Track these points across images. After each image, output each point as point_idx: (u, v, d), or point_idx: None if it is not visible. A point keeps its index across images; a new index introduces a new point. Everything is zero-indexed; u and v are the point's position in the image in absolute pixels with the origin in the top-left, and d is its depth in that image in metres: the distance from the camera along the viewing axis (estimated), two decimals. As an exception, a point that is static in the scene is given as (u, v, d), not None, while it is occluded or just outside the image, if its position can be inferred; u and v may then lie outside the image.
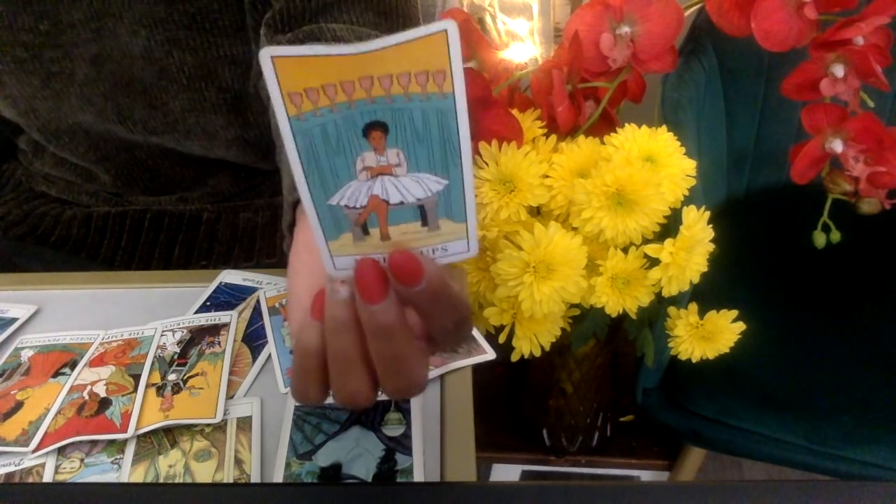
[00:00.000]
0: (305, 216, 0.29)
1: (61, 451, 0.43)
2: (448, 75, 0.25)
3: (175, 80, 0.62)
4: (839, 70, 0.56)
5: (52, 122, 0.66)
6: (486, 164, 0.58)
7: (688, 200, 0.60)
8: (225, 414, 0.45)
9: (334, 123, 0.26)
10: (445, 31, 0.24)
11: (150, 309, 0.54)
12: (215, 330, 0.51)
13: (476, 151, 0.58)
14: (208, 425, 0.44)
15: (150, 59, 0.60)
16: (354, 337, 0.30)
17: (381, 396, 0.44)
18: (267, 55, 0.24)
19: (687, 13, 0.59)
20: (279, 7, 0.55)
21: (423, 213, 0.29)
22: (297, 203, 0.42)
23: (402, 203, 0.28)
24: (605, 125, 0.63)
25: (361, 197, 0.28)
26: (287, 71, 0.25)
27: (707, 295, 0.70)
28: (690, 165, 0.61)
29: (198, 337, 0.50)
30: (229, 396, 0.46)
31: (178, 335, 0.51)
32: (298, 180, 0.27)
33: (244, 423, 0.44)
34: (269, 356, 0.49)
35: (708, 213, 0.60)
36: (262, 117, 0.67)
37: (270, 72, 0.25)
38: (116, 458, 0.42)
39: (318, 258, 0.30)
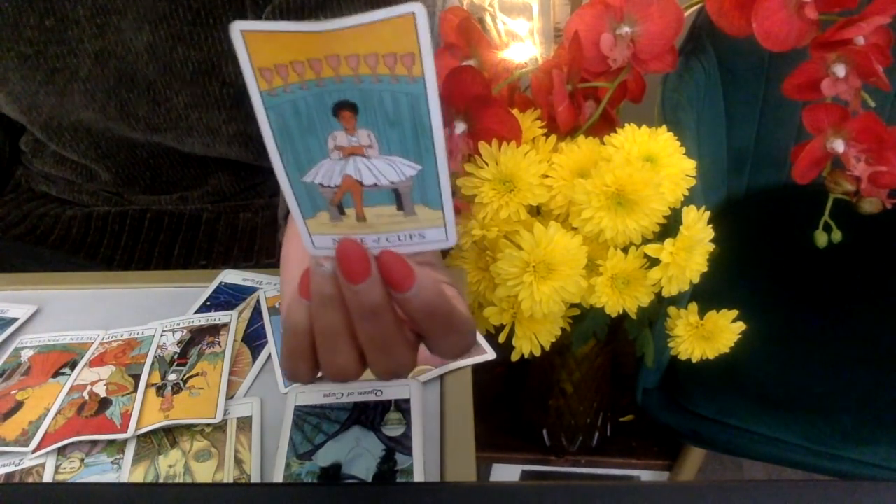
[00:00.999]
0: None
1: (61, 451, 0.43)
2: (417, 59, 0.25)
3: (179, 76, 0.62)
4: (840, 70, 0.56)
5: (53, 119, 0.66)
6: (486, 163, 0.58)
7: (688, 200, 0.60)
8: (225, 414, 0.44)
9: (305, 101, 0.26)
10: (413, 13, 0.24)
11: (150, 309, 0.54)
12: (215, 330, 0.51)
13: (476, 151, 0.58)
14: (208, 425, 0.44)
15: (155, 54, 0.60)
16: (340, 312, 0.30)
17: (382, 397, 0.44)
18: (237, 29, 0.24)
19: (687, 13, 0.59)
20: (279, 2, 0.55)
21: (398, 197, 0.29)
22: None
23: (375, 185, 0.28)
24: (605, 125, 0.63)
25: (335, 176, 0.28)
26: (256, 46, 0.25)
27: (707, 295, 0.70)
28: (690, 165, 0.61)
29: (198, 337, 0.50)
30: (229, 396, 0.46)
31: (178, 335, 0.51)
32: (273, 156, 0.28)
33: (244, 423, 0.44)
34: (269, 356, 0.49)
35: (708, 213, 0.60)
36: None
37: (241, 46, 0.25)
38: (116, 458, 0.42)
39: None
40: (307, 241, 0.30)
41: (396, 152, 0.28)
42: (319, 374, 0.33)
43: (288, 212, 0.42)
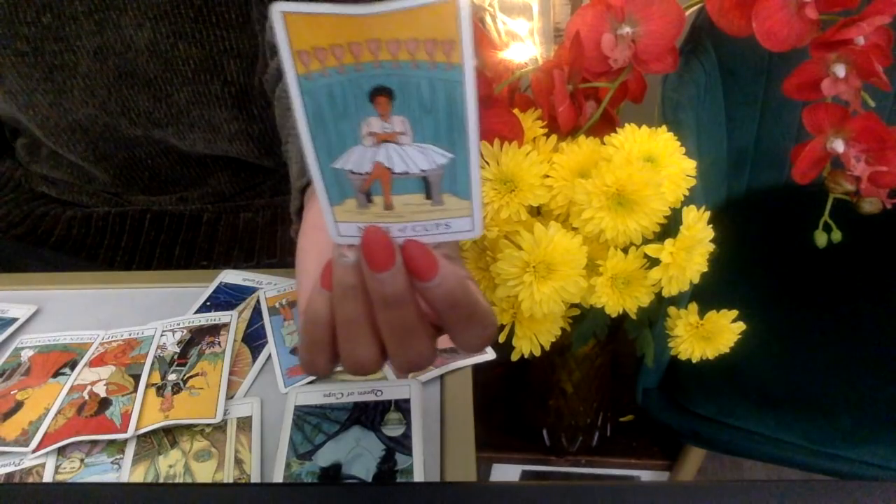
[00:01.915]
0: (313, 188, 0.29)
1: (61, 451, 0.43)
2: (457, 46, 0.25)
3: (180, 73, 0.62)
4: (840, 70, 0.56)
5: (51, 119, 0.66)
6: (487, 163, 0.58)
7: (688, 200, 0.60)
8: (225, 414, 0.44)
9: (341, 85, 0.26)
10: (456, 0, 0.24)
11: (150, 309, 0.54)
12: (215, 330, 0.51)
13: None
14: (208, 425, 0.44)
15: (156, 51, 0.60)
16: (362, 302, 0.30)
17: (382, 397, 0.44)
18: (278, 10, 0.24)
19: (687, 13, 0.59)
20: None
21: (427, 186, 0.28)
22: (304, 189, 0.42)
23: (406, 173, 0.28)
24: (605, 125, 0.63)
25: (366, 163, 0.28)
26: (296, 28, 0.25)
27: (707, 295, 0.70)
28: (690, 165, 0.61)
29: (198, 337, 0.50)
30: (229, 396, 0.46)
31: (178, 335, 0.51)
32: (305, 141, 0.27)
33: (244, 423, 0.44)
34: (269, 356, 0.49)
35: (708, 213, 0.60)
36: (267, 111, 0.67)
37: (281, 28, 0.25)
38: (116, 458, 0.42)
39: (326, 230, 0.30)
40: (332, 228, 0.30)
41: (429, 140, 0.27)
42: (339, 368, 0.32)
43: (301, 207, 0.42)
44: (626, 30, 0.58)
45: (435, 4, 0.24)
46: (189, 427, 0.44)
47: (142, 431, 0.43)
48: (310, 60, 0.26)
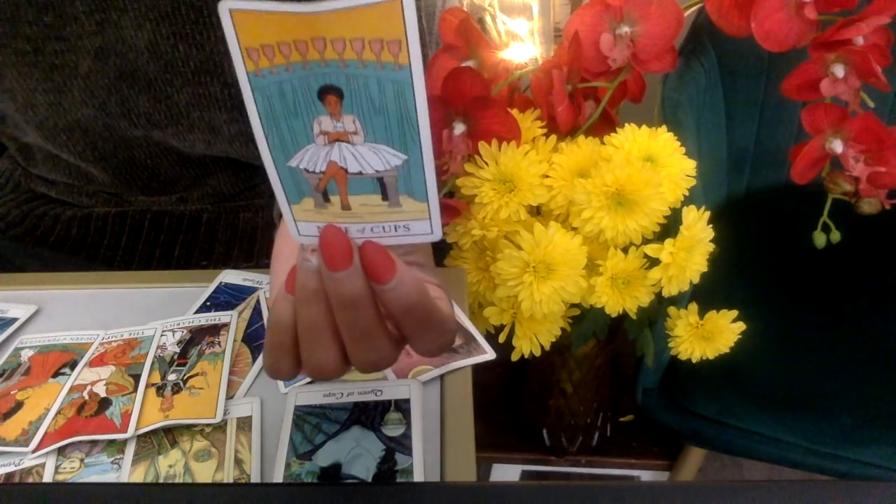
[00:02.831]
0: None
1: (61, 451, 0.43)
2: (404, 46, 0.25)
3: (180, 74, 0.62)
4: (839, 70, 0.56)
5: (49, 119, 0.66)
6: (486, 163, 0.58)
7: (688, 200, 0.60)
8: (225, 414, 0.44)
9: (290, 83, 0.26)
10: (400, 0, 0.24)
11: (150, 309, 0.54)
12: (215, 330, 0.51)
13: (476, 151, 0.58)
14: (208, 425, 0.44)
15: (156, 52, 0.60)
16: (323, 307, 0.30)
17: (382, 397, 0.44)
18: (225, 8, 0.24)
19: (687, 13, 0.59)
20: None
21: (382, 187, 0.29)
22: None
23: (360, 173, 0.28)
24: (605, 125, 0.63)
25: (320, 162, 0.28)
26: (244, 25, 0.25)
27: (707, 295, 0.70)
28: (690, 165, 0.61)
29: (198, 337, 0.50)
30: (229, 396, 0.46)
31: (178, 335, 0.51)
32: (259, 140, 0.28)
33: (244, 423, 0.44)
34: (269, 356, 0.49)
35: (708, 213, 0.60)
36: None
37: (229, 25, 0.25)
38: (116, 458, 0.42)
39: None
40: (292, 227, 0.30)
41: (381, 140, 0.27)
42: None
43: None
44: (625, 29, 0.58)
45: (380, 4, 0.24)
46: (189, 427, 0.44)
47: (142, 431, 0.43)
48: (259, 58, 0.26)
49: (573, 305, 0.64)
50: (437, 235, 0.30)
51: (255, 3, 0.24)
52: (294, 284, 0.31)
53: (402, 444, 0.41)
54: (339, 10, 0.24)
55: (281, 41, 0.25)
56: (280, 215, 0.42)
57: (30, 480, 0.41)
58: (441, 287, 0.34)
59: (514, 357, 0.64)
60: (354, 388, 0.45)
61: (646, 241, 0.60)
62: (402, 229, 0.30)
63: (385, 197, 0.29)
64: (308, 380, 0.46)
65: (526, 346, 0.64)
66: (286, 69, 0.26)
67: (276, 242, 0.38)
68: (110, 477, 0.41)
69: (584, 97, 0.63)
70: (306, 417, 0.43)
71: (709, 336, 0.68)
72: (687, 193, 0.61)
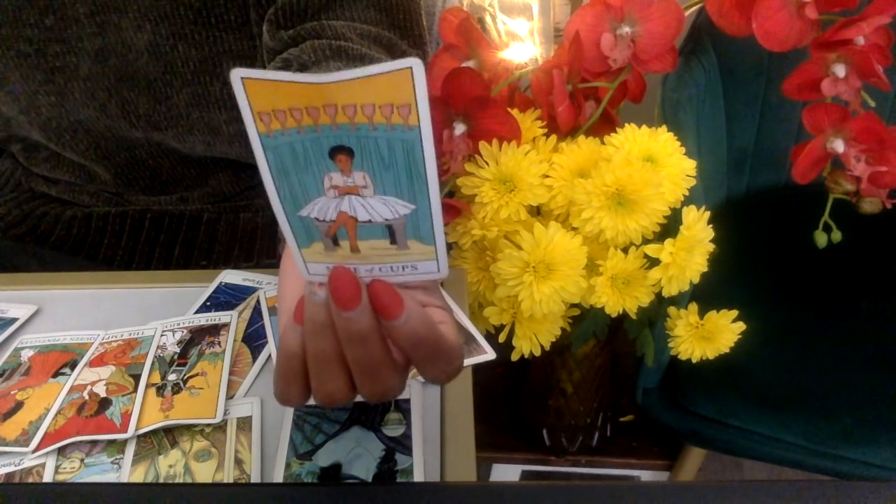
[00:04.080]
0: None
1: (61, 451, 0.43)
2: (413, 109, 0.26)
3: (179, 75, 0.62)
4: (840, 70, 0.56)
5: (52, 119, 0.66)
6: (487, 163, 0.58)
7: (688, 200, 0.60)
8: (225, 414, 0.44)
9: (302, 143, 0.27)
10: (410, 68, 0.24)
11: (150, 309, 0.54)
12: (215, 330, 0.51)
13: (476, 151, 0.58)
14: (208, 425, 0.44)
15: (156, 53, 0.60)
16: (332, 339, 0.31)
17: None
18: (237, 76, 0.25)
19: (687, 13, 0.59)
20: (282, 3, 0.55)
21: (391, 233, 0.30)
22: None
23: (370, 221, 0.29)
24: (605, 125, 0.63)
25: (330, 212, 0.29)
26: (256, 91, 0.26)
27: (707, 295, 0.70)
28: (690, 165, 0.61)
29: (198, 337, 0.50)
30: (229, 396, 0.46)
31: (178, 335, 0.51)
32: (270, 192, 0.28)
33: (244, 423, 0.44)
34: (269, 356, 0.49)
35: (708, 213, 0.60)
36: None
37: (241, 91, 0.26)
38: (116, 458, 0.42)
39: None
40: (302, 267, 0.31)
41: (391, 193, 0.28)
42: (312, 402, 0.33)
43: None
44: (626, 29, 0.58)
45: (390, 73, 0.25)
46: (189, 427, 0.44)
47: (142, 431, 0.43)
48: (270, 120, 0.26)
49: (573, 305, 0.64)
50: (443, 274, 0.31)
51: (268, 73, 0.25)
52: (302, 315, 0.31)
53: (402, 444, 0.41)
54: (351, 80, 0.25)
55: (293, 107, 0.26)
56: None
57: (30, 480, 0.41)
58: (445, 309, 0.34)
59: (514, 357, 0.64)
60: (354, 388, 0.45)
61: (646, 242, 0.60)
62: (409, 269, 0.31)
63: (393, 241, 0.30)
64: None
65: (526, 346, 0.64)
66: (297, 131, 0.27)
67: (283, 264, 0.38)
68: (110, 477, 0.41)
69: (584, 97, 0.63)
70: (306, 417, 0.43)
71: (709, 336, 0.68)
72: (687, 193, 0.61)
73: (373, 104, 0.26)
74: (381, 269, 0.31)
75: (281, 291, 0.37)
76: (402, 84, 0.25)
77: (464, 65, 0.61)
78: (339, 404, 0.33)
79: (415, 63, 0.24)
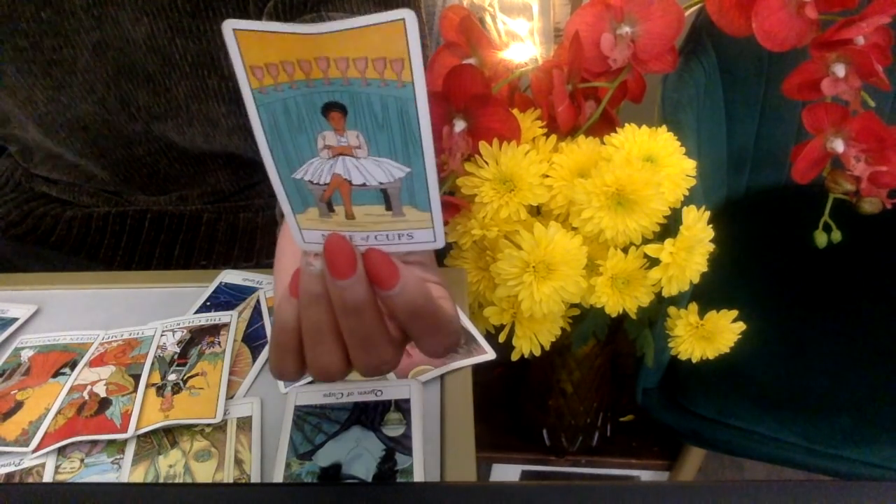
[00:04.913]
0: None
1: (61, 451, 0.43)
2: (406, 64, 0.25)
3: (178, 68, 0.62)
4: (840, 70, 0.56)
5: (49, 115, 0.66)
6: (487, 163, 0.58)
7: (688, 200, 0.60)
8: (225, 414, 0.44)
9: (294, 100, 0.27)
10: (403, 19, 0.24)
11: (150, 309, 0.54)
12: (215, 330, 0.51)
13: (476, 150, 0.58)
14: (208, 425, 0.44)
15: (154, 46, 0.60)
16: (327, 311, 0.30)
17: (383, 397, 0.44)
18: (229, 27, 0.25)
19: (687, 13, 0.59)
20: None
21: (386, 198, 0.29)
22: None
23: (364, 184, 0.29)
24: (605, 125, 0.63)
25: (324, 174, 0.29)
26: (248, 44, 0.25)
27: (707, 295, 0.70)
28: (690, 165, 0.61)
29: (198, 337, 0.50)
30: (229, 396, 0.46)
31: (178, 335, 0.51)
32: (263, 153, 0.28)
33: (244, 423, 0.44)
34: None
35: (708, 213, 0.60)
36: None
37: (233, 44, 0.25)
38: (116, 458, 0.42)
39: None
40: (297, 235, 0.31)
41: (385, 154, 0.28)
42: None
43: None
44: (626, 29, 0.58)
45: (382, 24, 0.24)
46: (189, 427, 0.44)
47: (142, 431, 0.43)
48: (263, 75, 0.26)
49: (573, 305, 0.64)
50: (440, 243, 0.31)
51: (259, 24, 0.25)
52: (298, 287, 0.31)
53: (402, 444, 0.41)
54: (343, 30, 0.24)
55: (284, 60, 0.26)
56: (283, 214, 0.42)
57: (30, 480, 0.41)
58: (443, 286, 0.34)
59: (514, 357, 0.64)
60: (354, 389, 0.45)
61: (646, 241, 0.60)
62: (405, 238, 0.30)
63: (388, 207, 0.29)
64: (309, 379, 0.46)
65: (526, 346, 0.64)
66: (290, 87, 0.26)
67: (280, 243, 0.38)
68: (110, 477, 0.41)
69: (584, 97, 0.63)
70: (306, 417, 0.43)
71: (709, 336, 0.68)
72: (687, 193, 0.61)
73: (365, 58, 0.25)
74: (377, 237, 0.30)
75: (277, 267, 0.37)
76: (394, 37, 0.24)
77: (464, 62, 0.61)
78: (335, 379, 0.33)
79: (408, 14, 0.24)
